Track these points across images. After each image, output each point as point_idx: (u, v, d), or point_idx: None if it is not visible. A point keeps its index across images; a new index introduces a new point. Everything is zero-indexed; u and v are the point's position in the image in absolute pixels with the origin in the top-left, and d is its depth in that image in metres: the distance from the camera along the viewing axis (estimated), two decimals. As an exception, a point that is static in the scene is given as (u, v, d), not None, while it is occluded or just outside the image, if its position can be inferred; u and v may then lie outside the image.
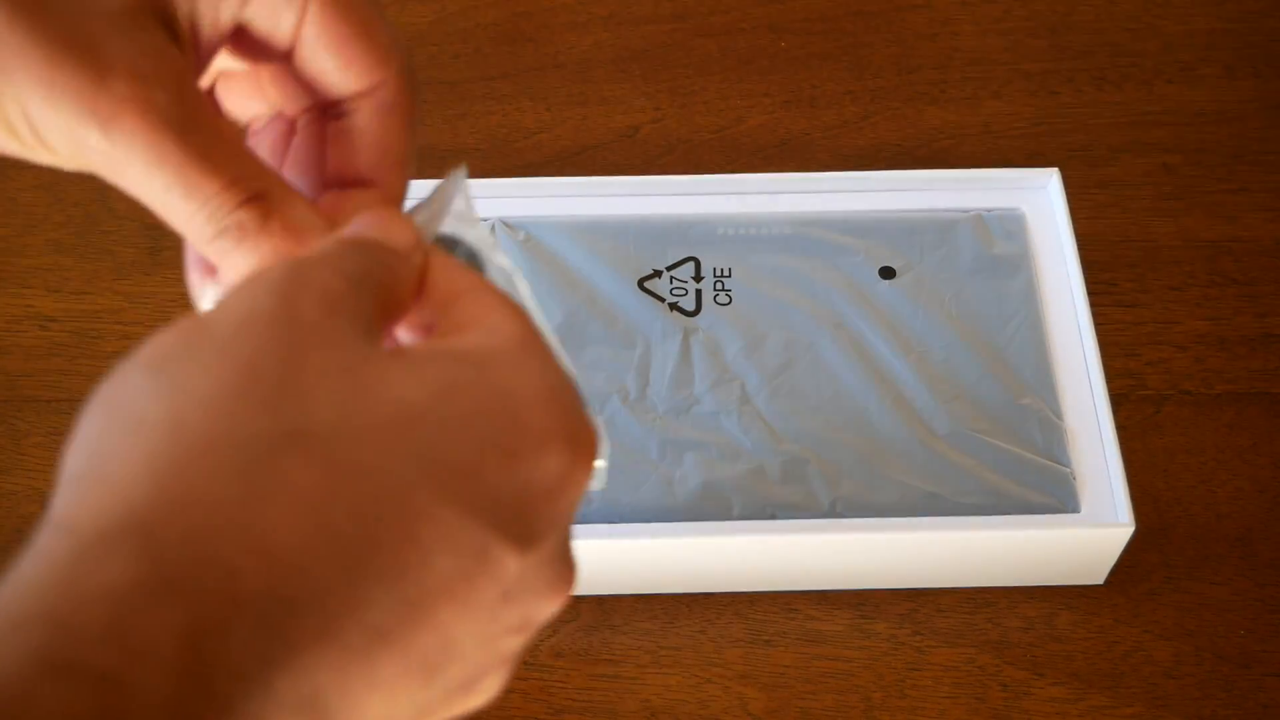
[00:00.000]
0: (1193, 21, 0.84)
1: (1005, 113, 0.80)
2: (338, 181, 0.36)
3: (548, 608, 0.30)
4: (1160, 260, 0.73)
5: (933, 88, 0.81)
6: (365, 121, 0.35)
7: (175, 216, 0.32)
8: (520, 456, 0.28)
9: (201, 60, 0.34)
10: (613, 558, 0.61)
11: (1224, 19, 0.84)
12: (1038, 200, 0.71)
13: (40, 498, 0.66)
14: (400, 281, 0.32)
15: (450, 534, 0.27)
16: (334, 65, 0.34)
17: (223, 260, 0.32)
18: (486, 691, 0.30)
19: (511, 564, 0.28)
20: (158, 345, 0.28)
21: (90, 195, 0.76)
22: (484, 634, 0.29)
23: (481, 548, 0.28)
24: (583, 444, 0.30)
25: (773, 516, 0.61)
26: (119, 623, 0.24)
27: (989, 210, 0.70)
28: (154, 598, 0.24)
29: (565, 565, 0.31)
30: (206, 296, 0.34)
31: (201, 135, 0.31)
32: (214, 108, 0.36)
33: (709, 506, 0.61)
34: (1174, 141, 0.78)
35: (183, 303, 0.72)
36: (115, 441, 0.27)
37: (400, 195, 0.37)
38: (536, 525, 0.29)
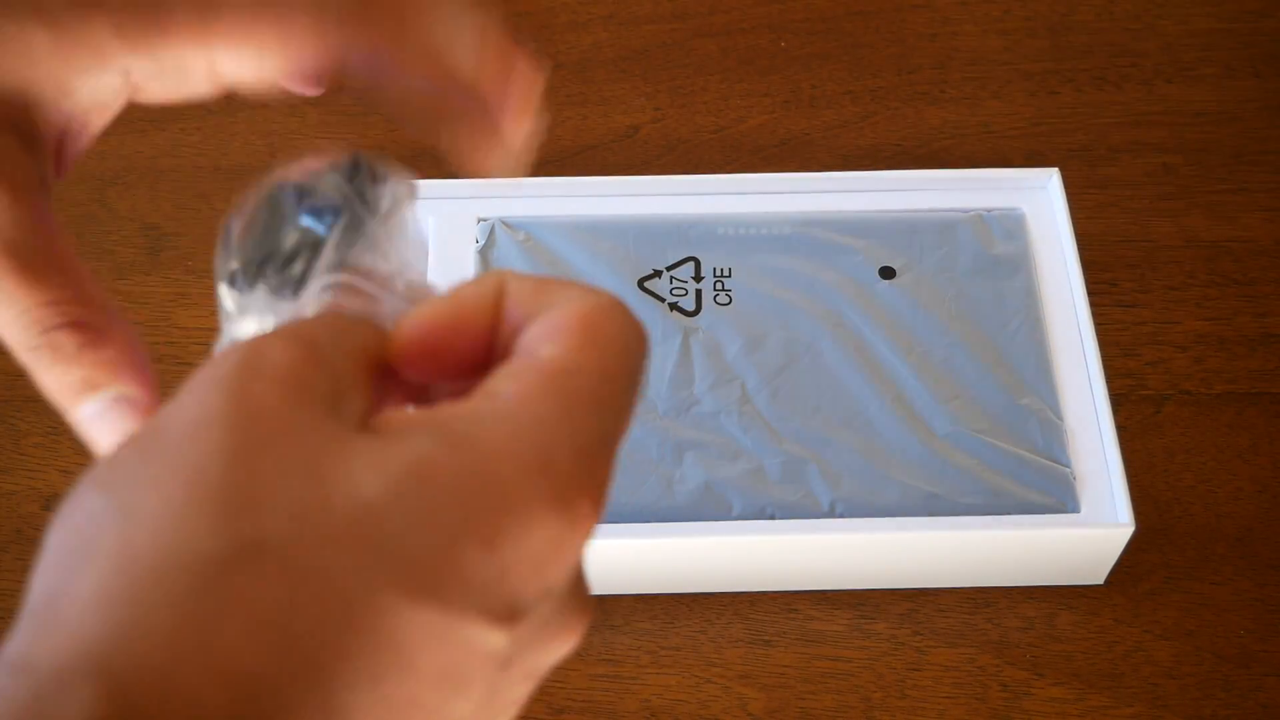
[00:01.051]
0: (1193, 21, 0.84)
1: (1005, 113, 0.80)
2: None
3: (556, 654, 0.29)
4: (1160, 260, 0.73)
5: (933, 88, 0.81)
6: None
7: None
8: (500, 538, 0.26)
9: (65, 161, 0.34)
10: (613, 558, 0.61)
11: (1224, 19, 0.84)
12: (1038, 200, 0.71)
13: (40, 498, 0.66)
14: (385, 322, 0.30)
15: (427, 631, 0.26)
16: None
17: (37, 372, 0.32)
18: None
19: (501, 641, 0.27)
20: (112, 461, 0.27)
21: (90, 195, 0.76)
22: (485, 702, 0.27)
23: (464, 638, 0.26)
24: (579, 504, 0.28)
25: (772, 516, 0.61)
26: None
27: (989, 210, 0.70)
28: None
29: (572, 611, 0.29)
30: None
31: (34, 254, 0.32)
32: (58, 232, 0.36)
33: (709, 506, 0.61)
34: (1174, 141, 0.78)
35: (183, 302, 0.72)
36: (68, 574, 0.26)
37: None
38: (525, 598, 0.27)
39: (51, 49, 0.32)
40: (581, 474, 0.28)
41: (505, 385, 0.28)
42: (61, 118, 0.34)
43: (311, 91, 0.36)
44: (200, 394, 0.27)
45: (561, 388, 0.28)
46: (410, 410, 0.30)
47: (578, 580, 0.30)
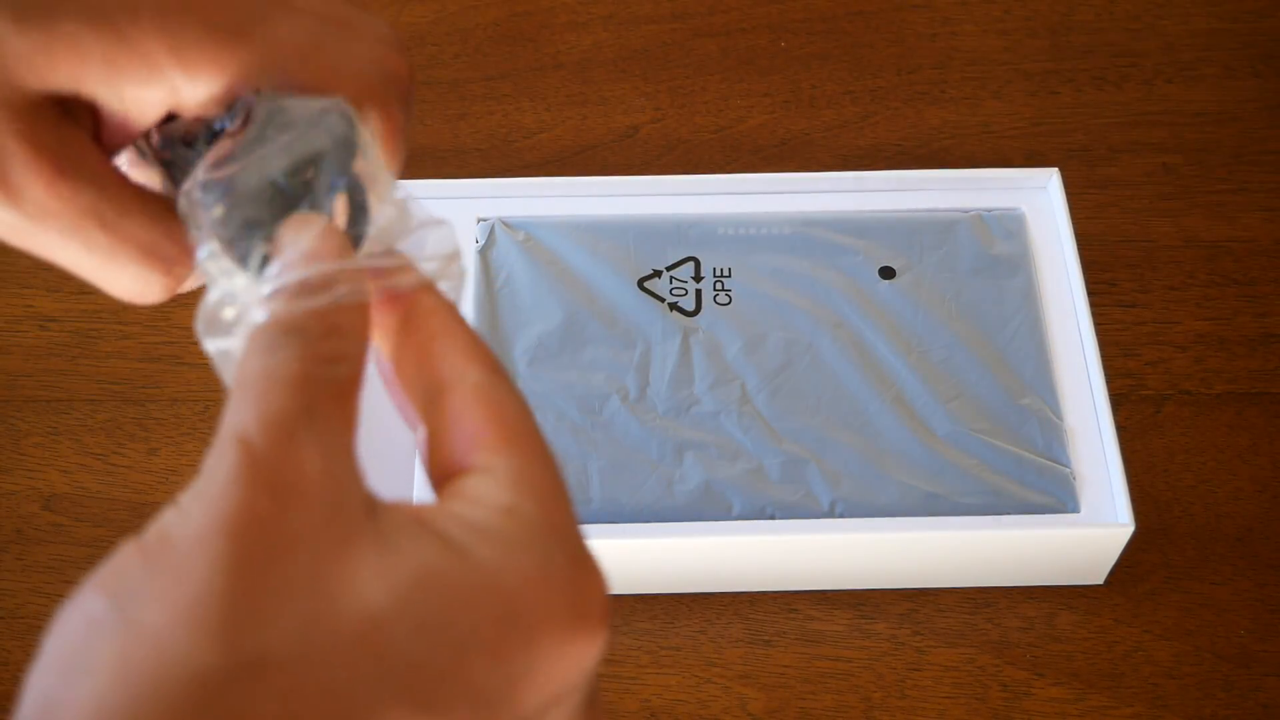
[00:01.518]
0: (1193, 21, 0.84)
1: (1005, 113, 0.80)
2: None
3: None
4: (1160, 260, 0.73)
5: (933, 88, 0.81)
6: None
7: None
8: (509, 650, 0.26)
9: (112, 146, 0.35)
10: (613, 558, 0.61)
11: (1224, 19, 0.84)
12: (1037, 200, 0.71)
13: (40, 498, 0.66)
14: (351, 356, 0.30)
15: None
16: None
17: None
18: None
19: None
20: (118, 567, 0.26)
21: (90, 195, 0.76)
22: None
23: None
24: (588, 619, 0.28)
25: (772, 516, 0.61)
26: None
27: (989, 210, 0.70)
28: None
29: (585, 716, 0.29)
30: (209, 344, 0.32)
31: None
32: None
33: (709, 506, 0.61)
34: (1174, 141, 0.78)
35: (182, 301, 0.72)
36: (67, 681, 0.25)
37: None
38: (533, 707, 0.27)
39: (105, 55, 0.32)
40: (579, 577, 0.28)
41: (490, 495, 0.29)
42: (112, 120, 0.34)
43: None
44: (205, 501, 0.27)
45: (527, 491, 0.29)
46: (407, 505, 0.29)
47: (589, 687, 0.29)
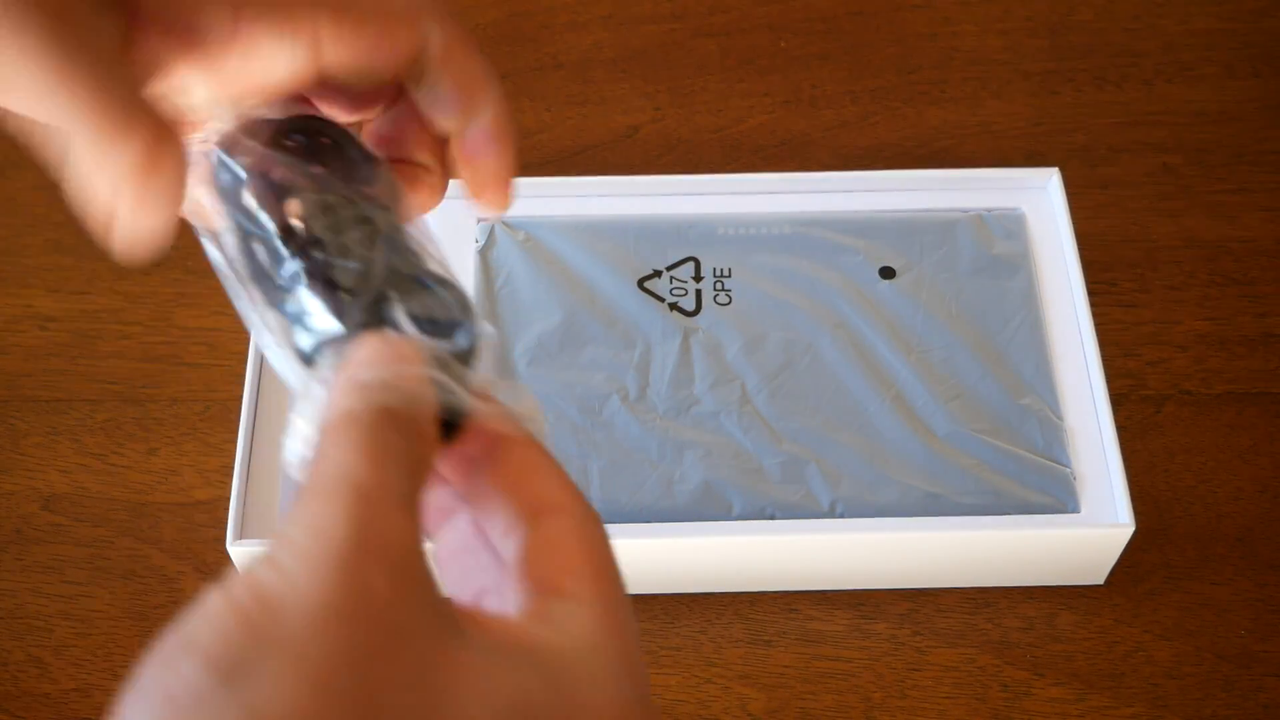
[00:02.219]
0: (1193, 21, 0.84)
1: (1005, 113, 0.80)
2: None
3: None
4: (1160, 260, 0.73)
5: (933, 88, 0.81)
6: (474, 147, 0.37)
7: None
8: None
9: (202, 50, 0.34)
10: (613, 558, 0.61)
11: (1224, 19, 0.84)
12: (1038, 200, 0.71)
13: (40, 498, 0.66)
14: (428, 450, 0.31)
15: None
16: (454, 98, 0.37)
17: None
18: None
19: None
20: (218, 631, 0.26)
21: (90, 195, 0.76)
22: None
23: None
24: None
25: (772, 516, 0.61)
26: None
27: (989, 210, 0.70)
28: None
29: None
30: (293, 442, 0.33)
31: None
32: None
33: (709, 506, 0.61)
34: (1174, 141, 0.78)
35: (183, 302, 0.72)
36: None
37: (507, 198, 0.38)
38: None
39: None
40: (647, 716, 0.30)
41: (579, 628, 0.30)
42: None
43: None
44: (314, 567, 0.27)
45: (611, 629, 0.30)
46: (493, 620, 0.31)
47: None
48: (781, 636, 0.62)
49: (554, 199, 0.70)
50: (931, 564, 0.62)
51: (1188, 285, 0.72)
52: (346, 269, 0.33)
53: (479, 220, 0.69)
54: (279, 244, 0.34)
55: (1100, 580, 0.63)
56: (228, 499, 0.61)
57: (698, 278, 0.68)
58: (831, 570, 0.62)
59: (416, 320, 0.33)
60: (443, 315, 0.34)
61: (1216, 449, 0.67)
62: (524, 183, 0.71)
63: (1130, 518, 0.60)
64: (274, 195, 0.34)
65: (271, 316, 0.34)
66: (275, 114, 0.36)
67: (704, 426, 0.63)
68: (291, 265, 0.33)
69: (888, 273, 0.68)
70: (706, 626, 0.62)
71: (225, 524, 0.59)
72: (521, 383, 0.35)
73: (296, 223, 0.34)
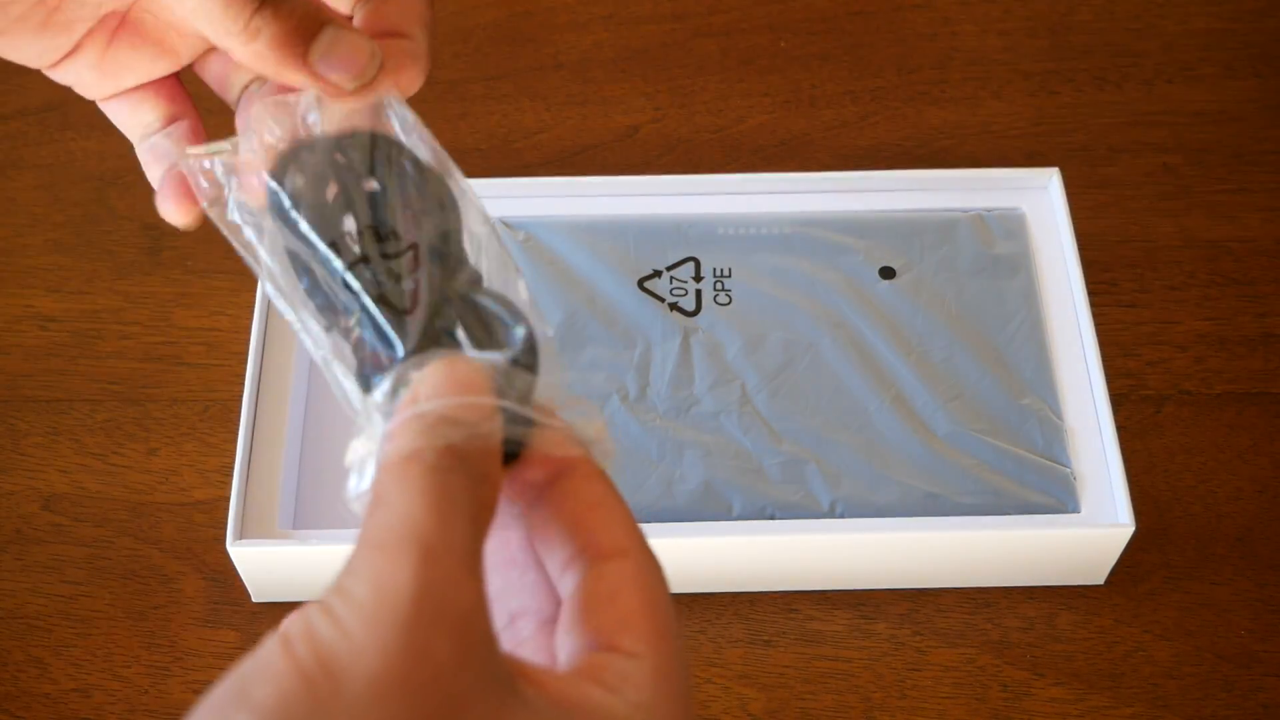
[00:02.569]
0: (1193, 21, 0.84)
1: (1005, 112, 0.80)
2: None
3: None
4: (1160, 260, 0.73)
5: (933, 88, 0.81)
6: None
7: None
8: None
9: None
10: (613, 558, 0.61)
11: (1224, 19, 0.84)
12: (1038, 200, 0.71)
13: (40, 498, 0.66)
14: (492, 492, 0.30)
15: None
16: None
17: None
18: None
19: None
20: (281, 701, 0.26)
21: (90, 195, 0.76)
22: None
23: None
24: None
25: (772, 516, 0.61)
26: None
27: (989, 210, 0.70)
28: None
29: None
30: (354, 474, 0.32)
31: None
32: None
33: (709, 506, 0.61)
34: (1174, 141, 0.78)
35: (183, 303, 0.72)
36: None
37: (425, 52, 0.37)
38: None
39: None
40: None
41: (633, 688, 0.30)
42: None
43: None
44: (376, 629, 0.26)
45: (666, 693, 0.30)
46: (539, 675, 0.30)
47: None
48: (781, 636, 0.62)
49: (554, 199, 0.70)
50: (931, 564, 0.62)
51: (1188, 285, 0.72)
52: (401, 289, 0.33)
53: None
54: (333, 263, 0.33)
55: (1100, 580, 0.63)
56: (228, 499, 0.61)
57: (698, 278, 0.68)
58: (831, 570, 0.62)
59: (473, 335, 0.33)
60: (500, 326, 0.33)
61: (1216, 449, 0.67)
62: (524, 183, 0.71)
63: (1130, 518, 0.60)
64: (326, 215, 0.34)
65: (325, 338, 0.34)
66: (327, 129, 0.35)
67: (704, 426, 0.63)
68: (345, 285, 0.33)
69: (887, 273, 0.68)
70: (706, 626, 0.62)
71: (225, 524, 0.59)
72: (582, 398, 0.34)
73: (350, 242, 0.34)
